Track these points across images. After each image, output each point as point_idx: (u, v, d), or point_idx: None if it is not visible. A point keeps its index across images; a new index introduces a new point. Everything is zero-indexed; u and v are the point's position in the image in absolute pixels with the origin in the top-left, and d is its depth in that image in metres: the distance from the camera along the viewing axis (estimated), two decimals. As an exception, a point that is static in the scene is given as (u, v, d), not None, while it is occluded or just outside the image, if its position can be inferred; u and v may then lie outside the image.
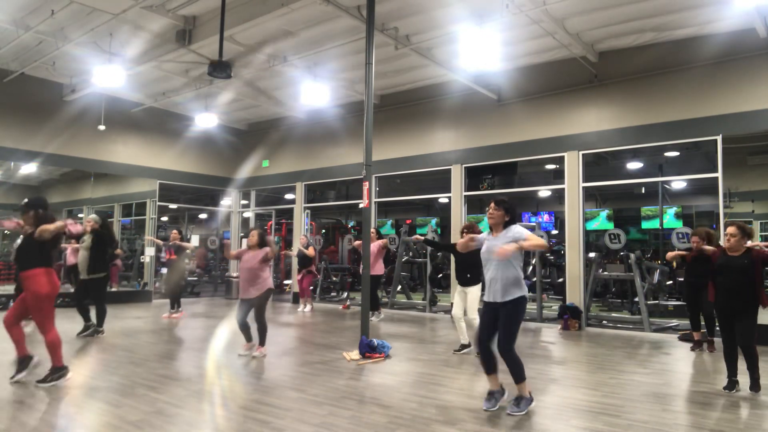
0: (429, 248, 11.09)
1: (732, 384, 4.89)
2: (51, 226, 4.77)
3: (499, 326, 4.23)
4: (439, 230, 17.46)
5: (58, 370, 4.83)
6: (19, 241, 4.89)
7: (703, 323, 6.98)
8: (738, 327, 4.78)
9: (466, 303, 6.43)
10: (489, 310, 4.33)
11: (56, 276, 4.94)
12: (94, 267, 7.41)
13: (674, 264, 7.91)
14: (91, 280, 7.44)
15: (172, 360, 6.10)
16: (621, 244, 9.62)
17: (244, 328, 6.24)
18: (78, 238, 7.60)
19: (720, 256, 4.99)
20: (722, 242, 5.17)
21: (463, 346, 6.54)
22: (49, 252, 4.90)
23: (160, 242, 11.20)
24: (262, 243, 6.26)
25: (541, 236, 10.36)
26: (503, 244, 4.17)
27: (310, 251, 11.01)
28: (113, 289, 12.43)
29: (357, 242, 11.29)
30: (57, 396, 4.52)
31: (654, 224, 15.00)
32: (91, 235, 7.45)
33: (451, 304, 9.99)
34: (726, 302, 4.85)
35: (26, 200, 4.97)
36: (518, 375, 4.19)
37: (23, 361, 4.89)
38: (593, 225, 15.64)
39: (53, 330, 4.81)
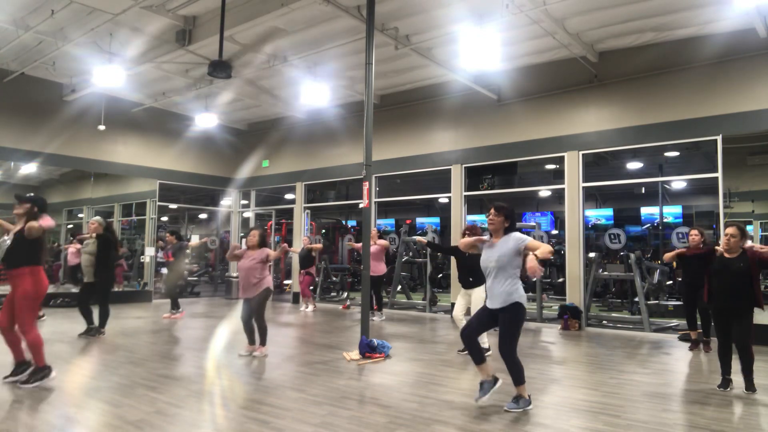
0: (430, 249, 11.10)
1: (726, 382, 4.93)
2: (36, 224, 4.72)
3: (500, 331, 4.29)
4: (438, 229, 17.46)
5: (41, 371, 4.78)
6: (7, 240, 4.85)
7: (699, 323, 6.99)
8: (735, 327, 4.79)
9: (469, 304, 6.42)
10: (485, 312, 4.39)
11: (45, 275, 4.89)
12: (98, 270, 7.41)
13: (674, 264, 7.91)
14: (95, 283, 7.45)
15: (172, 360, 6.09)
16: (621, 244, 9.62)
17: (248, 327, 6.25)
18: (80, 240, 7.61)
19: (717, 258, 4.99)
20: (721, 242, 5.15)
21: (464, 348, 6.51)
22: (38, 251, 4.85)
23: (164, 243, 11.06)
24: (262, 243, 6.28)
25: (542, 237, 10.39)
26: (505, 251, 4.22)
27: (316, 246, 11.11)
28: (117, 290, 12.44)
29: (357, 245, 11.30)
30: (57, 396, 4.52)
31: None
32: (95, 239, 7.45)
33: (452, 304, 10.01)
34: (723, 303, 4.86)
35: (30, 194, 4.98)
36: (518, 378, 4.24)
37: (20, 366, 4.86)
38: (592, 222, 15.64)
39: (34, 330, 4.74)
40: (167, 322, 9.16)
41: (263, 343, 6.28)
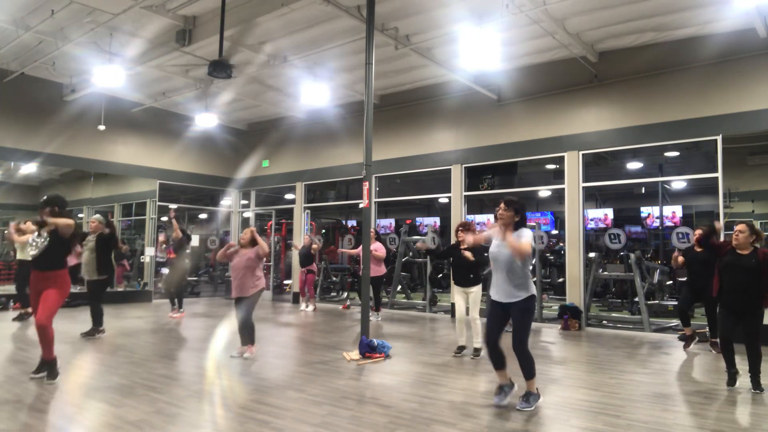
0: (429, 255, 11.10)
1: (733, 377, 4.93)
2: (64, 222, 4.84)
3: (513, 324, 4.28)
4: (438, 229, 17.44)
5: (55, 363, 4.92)
6: (42, 239, 4.89)
7: (707, 324, 6.99)
8: (745, 325, 4.80)
9: (467, 303, 6.40)
10: (497, 309, 4.35)
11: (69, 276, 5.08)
12: (98, 268, 7.39)
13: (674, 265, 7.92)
14: (92, 281, 7.43)
15: (172, 360, 6.10)
16: (621, 244, 9.62)
17: (243, 328, 6.22)
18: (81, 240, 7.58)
19: (728, 253, 4.99)
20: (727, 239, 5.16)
21: (461, 348, 6.46)
22: (67, 254, 5.05)
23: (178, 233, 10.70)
24: (254, 241, 6.21)
25: (542, 237, 10.39)
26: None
27: (314, 246, 11.09)
28: (119, 289, 12.43)
29: (353, 251, 11.30)
30: (57, 396, 4.52)
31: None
32: (95, 237, 7.45)
33: (452, 304, 10.00)
34: (733, 300, 4.86)
35: (45, 198, 5.07)
36: (529, 372, 4.25)
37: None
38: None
39: (52, 326, 4.90)
40: (169, 321, 9.16)
41: (252, 342, 6.21)
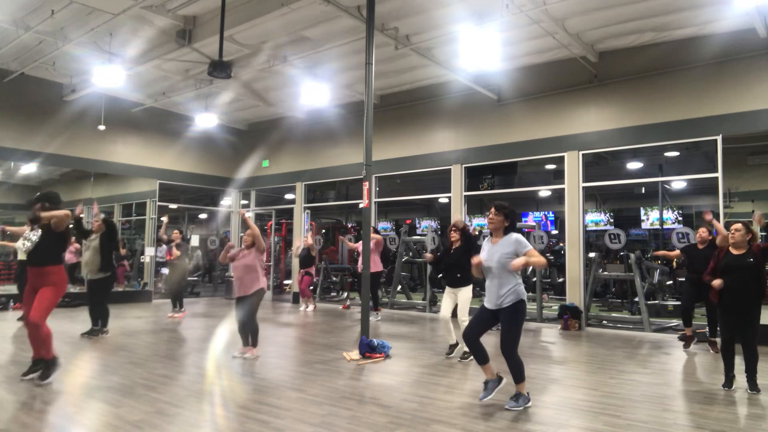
0: (430, 249, 11.11)
1: (730, 380, 4.93)
2: (60, 213, 4.80)
3: (502, 330, 4.29)
4: (438, 230, 17.44)
5: (54, 363, 4.86)
6: (33, 235, 4.88)
7: (705, 323, 7.00)
8: (744, 326, 4.81)
9: (455, 303, 6.31)
10: (485, 313, 4.36)
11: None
12: (101, 267, 7.39)
13: (674, 264, 7.95)
14: (96, 280, 7.42)
15: (172, 360, 6.09)
16: (621, 244, 9.62)
17: (244, 329, 6.22)
18: (87, 235, 7.57)
19: (725, 255, 5.00)
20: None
21: (452, 347, 6.40)
22: (62, 249, 5.05)
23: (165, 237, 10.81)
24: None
25: (542, 237, 10.38)
26: (505, 251, 4.23)
27: (311, 242, 11.08)
28: (119, 289, 12.42)
29: (354, 245, 11.27)
30: (57, 396, 4.52)
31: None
32: (98, 235, 7.45)
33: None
34: (732, 301, 4.86)
35: (37, 194, 5.07)
36: (519, 376, 4.26)
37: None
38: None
39: (46, 324, 4.84)
40: (168, 321, 9.16)
41: (255, 344, 6.21)
